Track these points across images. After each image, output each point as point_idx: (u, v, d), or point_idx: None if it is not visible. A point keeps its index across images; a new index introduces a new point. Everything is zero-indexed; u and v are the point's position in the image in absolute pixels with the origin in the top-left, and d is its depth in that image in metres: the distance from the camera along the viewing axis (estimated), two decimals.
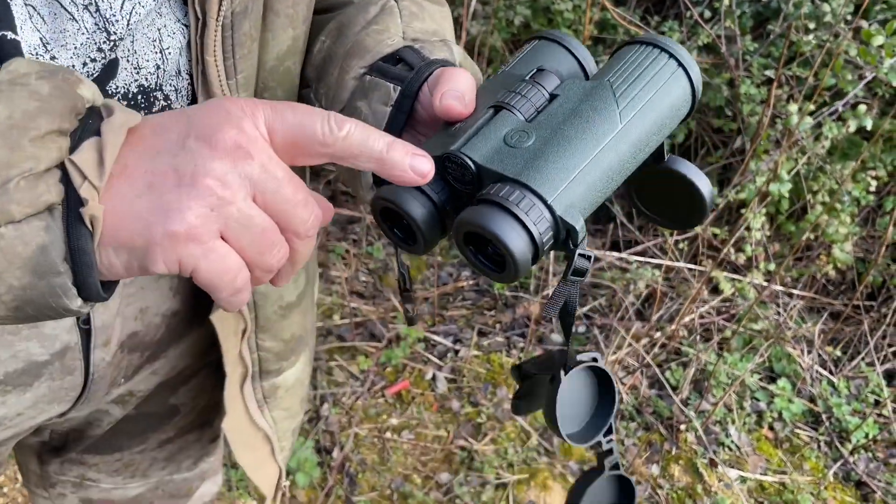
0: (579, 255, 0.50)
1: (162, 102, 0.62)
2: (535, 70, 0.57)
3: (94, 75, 0.57)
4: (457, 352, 2.05)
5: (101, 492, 0.90)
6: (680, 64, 0.55)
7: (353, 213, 2.32)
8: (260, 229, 0.47)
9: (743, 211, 1.84)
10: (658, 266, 2.05)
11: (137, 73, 0.60)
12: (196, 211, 0.45)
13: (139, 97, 0.60)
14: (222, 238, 0.46)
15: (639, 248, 2.10)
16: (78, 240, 0.45)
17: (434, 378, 2.00)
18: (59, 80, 0.46)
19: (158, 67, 0.61)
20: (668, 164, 0.58)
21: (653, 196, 0.62)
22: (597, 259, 2.15)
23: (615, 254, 2.03)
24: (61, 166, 0.45)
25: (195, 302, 0.78)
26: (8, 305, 0.46)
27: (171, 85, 0.62)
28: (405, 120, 0.61)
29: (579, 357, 0.61)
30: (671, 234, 2.00)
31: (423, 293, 2.17)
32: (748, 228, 1.95)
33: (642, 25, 2.01)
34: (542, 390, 0.63)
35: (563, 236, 0.51)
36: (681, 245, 2.00)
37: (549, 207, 0.50)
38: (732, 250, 1.93)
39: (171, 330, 0.77)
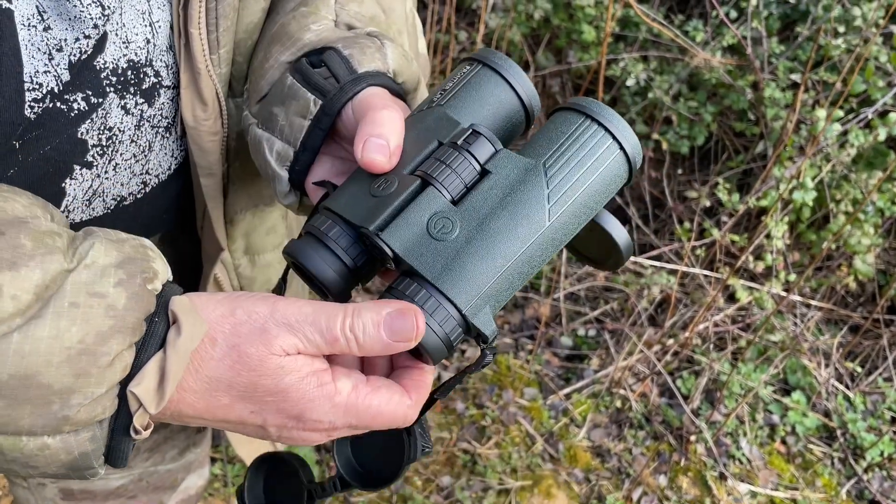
0: (489, 352, 0.51)
1: (153, 79, 0.59)
2: (469, 132, 0.53)
3: (87, 53, 0.53)
4: (463, 352, 2.00)
5: (82, 482, 0.86)
6: (615, 139, 0.52)
7: None
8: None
9: (763, 218, 1.79)
10: (673, 272, 2.00)
11: (126, 47, 0.56)
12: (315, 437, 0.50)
13: (129, 73, 0.56)
14: None
15: (654, 252, 2.05)
16: (119, 443, 0.46)
17: (439, 378, 1.95)
18: (137, 284, 0.45)
19: (148, 42, 0.57)
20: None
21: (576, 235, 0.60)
22: None
23: (630, 258, 1.98)
24: (121, 381, 0.45)
25: (185, 287, 0.74)
26: (31, 476, 0.48)
27: (161, 61, 0.58)
28: (322, 138, 0.57)
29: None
30: (689, 240, 1.95)
31: None
32: (768, 236, 1.90)
33: (665, 24, 1.96)
34: None
35: (474, 335, 0.51)
36: (697, 251, 1.95)
37: (463, 316, 0.49)
38: (751, 258, 1.87)
39: None
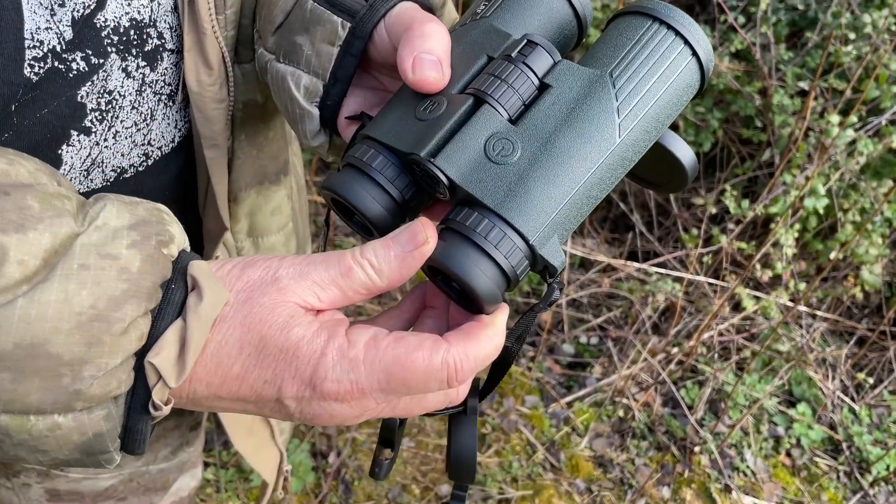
0: (556, 286, 0.45)
1: (156, 41, 0.55)
2: (524, 42, 0.48)
3: (90, 8, 0.49)
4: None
5: (70, 482, 0.82)
6: (687, 44, 0.47)
7: None
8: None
9: (771, 226, 1.76)
10: (678, 279, 1.96)
11: (129, 4, 0.52)
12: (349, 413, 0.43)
13: (131, 32, 0.52)
14: None
15: (659, 259, 2.01)
16: (136, 423, 0.41)
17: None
18: (151, 247, 0.40)
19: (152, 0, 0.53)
20: None
21: None
22: (614, 269, 2.06)
23: (634, 264, 1.94)
24: (137, 352, 0.40)
25: None
26: (42, 464, 0.43)
27: (165, 22, 0.55)
28: (356, 64, 0.52)
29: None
30: (695, 247, 1.91)
31: None
32: (775, 245, 1.86)
33: None
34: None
35: (541, 268, 0.45)
36: (704, 259, 1.91)
37: (530, 246, 0.44)
38: (759, 266, 1.84)
39: None
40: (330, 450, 1.74)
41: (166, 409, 0.41)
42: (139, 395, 0.40)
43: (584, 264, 2.13)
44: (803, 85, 1.93)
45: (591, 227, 2.21)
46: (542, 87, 0.47)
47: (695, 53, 0.47)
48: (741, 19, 1.99)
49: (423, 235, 0.43)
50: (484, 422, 1.84)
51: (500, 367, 0.49)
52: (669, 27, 0.47)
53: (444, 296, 0.48)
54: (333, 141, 0.56)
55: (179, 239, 0.43)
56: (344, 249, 0.44)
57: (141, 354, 0.40)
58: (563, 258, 0.45)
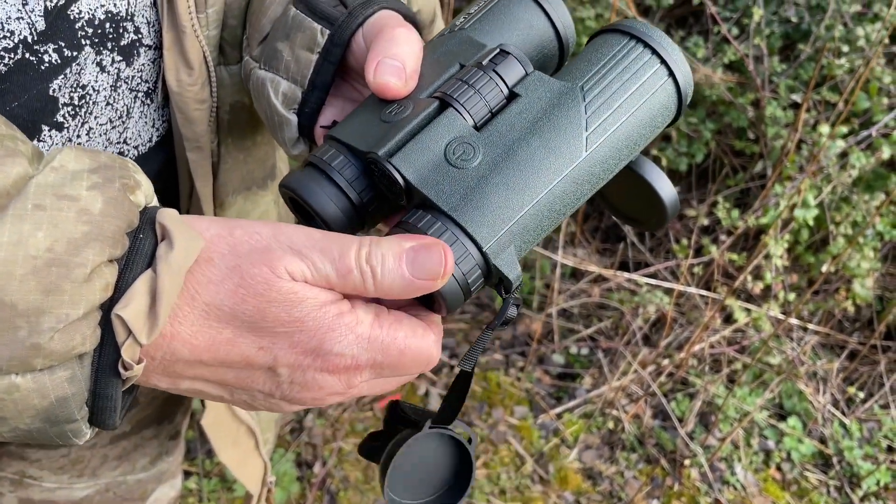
0: (512, 302, 0.44)
1: (132, 36, 0.53)
2: (496, 51, 0.46)
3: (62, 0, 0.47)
4: (452, 367, 1.94)
5: (44, 492, 0.79)
6: (664, 64, 0.46)
7: None
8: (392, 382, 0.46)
9: (763, 237, 1.75)
10: (669, 290, 1.95)
11: None
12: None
13: (107, 25, 0.51)
14: None
15: (649, 269, 2.00)
16: (105, 387, 0.38)
17: (427, 394, 1.89)
18: (115, 189, 0.37)
19: None
20: (632, 166, 0.49)
21: (614, 190, 0.53)
22: (605, 279, 2.05)
23: (625, 274, 1.93)
24: (103, 305, 0.37)
25: None
26: (5, 437, 0.39)
27: (143, 16, 0.53)
28: (333, 72, 0.51)
29: (455, 425, 0.50)
30: (686, 258, 1.90)
31: None
32: (767, 256, 1.85)
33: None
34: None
35: (496, 281, 0.43)
36: (695, 269, 1.90)
37: (483, 254, 0.42)
38: (750, 278, 1.83)
39: None
40: (315, 459, 1.72)
41: (138, 369, 0.38)
42: (107, 354, 0.37)
43: (574, 274, 2.12)
44: (796, 97, 1.93)
45: (583, 237, 2.20)
46: (512, 97, 0.46)
47: (672, 75, 0.46)
48: (734, 31, 1.98)
49: (441, 270, 0.42)
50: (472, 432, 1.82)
51: (460, 388, 0.48)
52: (647, 45, 0.46)
53: None
54: (313, 150, 0.54)
55: (147, 189, 0.40)
56: (347, 236, 0.42)
57: (108, 309, 0.37)
58: (518, 272, 0.44)
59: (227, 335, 0.39)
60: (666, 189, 0.49)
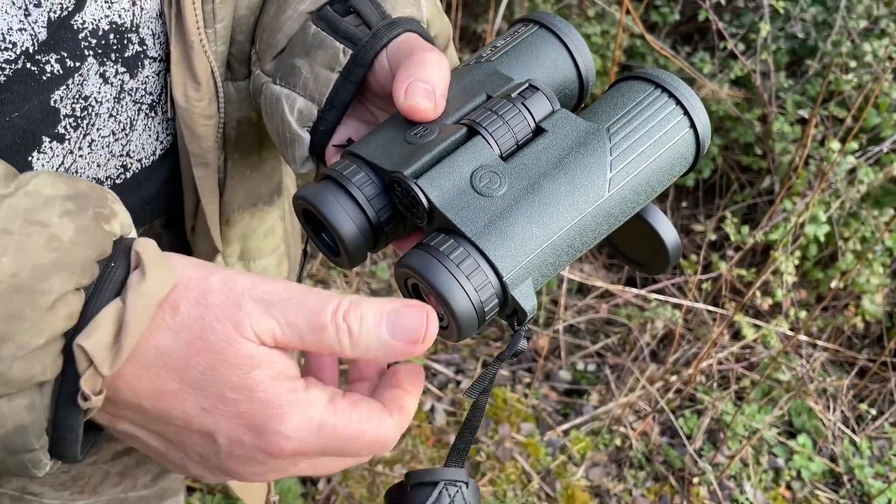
0: (524, 334, 0.43)
1: (137, 47, 0.52)
2: (525, 85, 0.47)
3: (68, 9, 0.47)
4: (458, 383, 1.93)
5: None
6: (687, 115, 0.47)
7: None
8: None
9: (771, 252, 1.74)
10: (677, 306, 1.94)
11: (109, 7, 0.50)
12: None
13: (111, 36, 0.50)
14: None
15: (657, 285, 1.99)
16: (66, 417, 0.37)
17: (432, 409, 1.87)
18: (88, 218, 0.37)
19: (134, 4, 0.51)
20: (640, 210, 0.50)
21: (618, 231, 0.53)
22: (612, 295, 2.04)
23: (633, 290, 1.92)
24: (67, 334, 0.36)
25: None
26: None
27: (149, 28, 0.52)
28: (353, 93, 0.51)
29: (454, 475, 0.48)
30: (694, 273, 1.89)
31: None
32: (775, 272, 1.84)
33: (674, 54, 1.92)
34: None
35: (510, 311, 0.43)
36: (703, 285, 1.89)
37: (503, 283, 0.42)
38: (758, 293, 1.82)
39: None
40: (319, 476, 1.71)
41: (97, 401, 0.36)
42: (68, 384, 0.36)
43: (581, 290, 2.11)
44: (803, 113, 1.92)
45: (590, 252, 2.19)
46: (538, 131, 0.47)
47: (693, 126, 0.47)
48: (741, 46, 1.98)
49: (422, 333, 0.40)
50: (478, 449, 1.80)
51: (472, 423, 0.47)
52: (671, 95, 0.47)
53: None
54: (321, 170, 0.54)
55: (124, 219, 0.40)
56: (330, 292, 0.40)
57: (72, 337, 0.36)
58: (534, 304, 0.44)
59: (172, 387, 0.38)
60: (669, 234, 0.50)
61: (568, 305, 2.04)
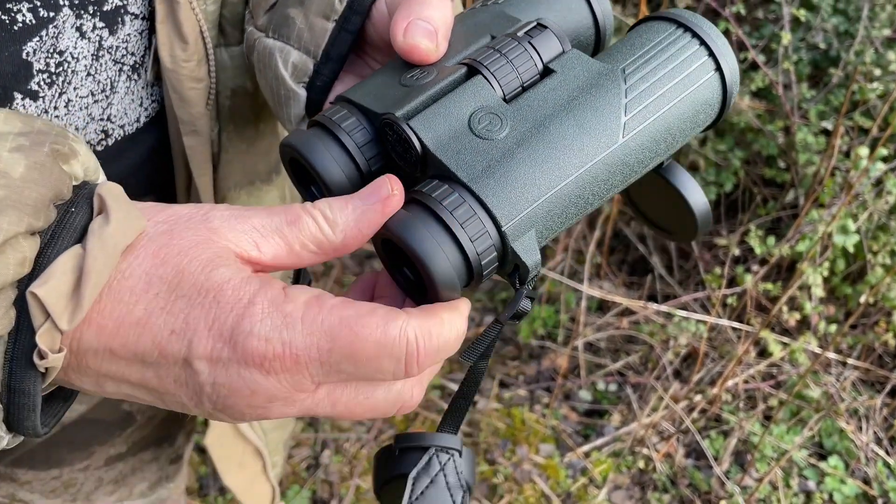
0: (527, 294, 0.39)
1: (116, 1, 0.49)
2: (533, 24, 0.44)
3: None
4: (475, 403, 1.88)
5: None
6: (712, 56, 0.43)
7: (372, 248, 2.18)
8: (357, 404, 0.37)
9: (798, 265, 1.68)
10: (701, 323, 1.88)
11: None
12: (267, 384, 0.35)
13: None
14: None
15: (679, 300, 1.94)
16: (21, 381, 0.33)
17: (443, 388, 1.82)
18: (43, 154, 0.33)
19: None
20: (664, 173, 0.46)
21: (644, 196, 0.50)
22: (633, 312, 1.98)
23: (654, 306, 1.87)
24: (20, 283, 0.32)
25: None
26: None
27: None
28: (350, 43, 0.47)
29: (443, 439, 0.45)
30: (718, 287, 1.84)
31: None
32: (801, 287, 1.78)
33: None
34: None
35: (511, 268, 0.39)
36: (728, 300, 1.83)
37: (502, 234, 0.38)
38: (785, 308, 1.76)
39: None
40: (331, 497, 1.65)
41: (55, 359, 0.32)
42: (23, 341, 0.32)
43: (601, 307, 2.05)
44: (827, 124, 1.88)
45: (609, 270, 2.14)
46: (546, 73, 0.43)
47: (719, 69, 0.43)
48: (761, 57, 1.94)
49: (387, 189, 0.37)
50: (496, 471, 1.75)
51: (467, 389, 0.43)
52: (695, 35, 0.43)
53: (396, 286, 0.42)
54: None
55: (87, 161, 0.36)
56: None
57: (26, 287, 0.32)
58: (538, 259, 0.39)
59: (138, 314, 0.34)
60: (698, 199, 0.46)
61: (587, 322, 1.99)
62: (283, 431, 0.80)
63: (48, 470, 0.71)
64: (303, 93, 0.49)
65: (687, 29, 0.43)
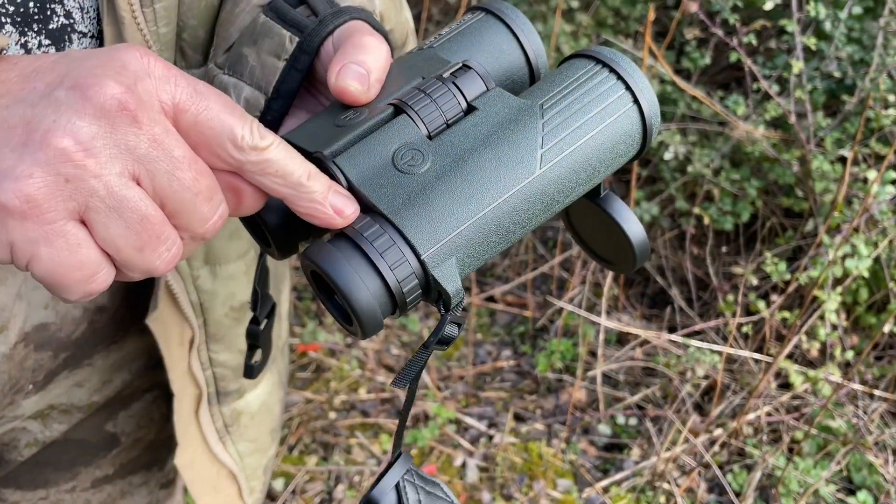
0: (449, 321, 0.41)
1: (62, 20, 0.51)
2: (459, 65, 0.46)
3: None
4: (491, 437, 1.86)
5: None
6: (629, 90, 0.45)
7: None
8: (138, 218, 0.36)
9: (815, 291, 1.65)
10: (718, 352, 1.85)
11: None
12: (39, 180, 0.34)
13: (30, 4, 0.49)
14: (82, 222, 0.36)
15: (695, 327, 1.91)
16: None
17: (464, 465, 1.81)
18: None
19: None
20: (601, 203, 0.48)
21: (585, 225, 0.52)
22: (645, 342, 1.96)
23: (667, 335, 1.85)
24: None
25: (132, 299, 0.65)
26: None
27: (75, 1, 0.52)
28: (300, 80, 0.50)
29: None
30: (733, 315, 1.81)
31: (458, 371, 2.00)
32: (822, 318, 1.75)
33: (705, 96, 1.89)
34: None
35: (436, 296, 0.41)
36: (744, 329, 1.81)
37: (421, 262, 0.40)
38: (805, 338, 1.72)
39: (96, 330, 0.64)
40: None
41: None
42: None
43: (620, 340, 2.04)
44: (844, 152, 1.86)
45: (627, 302, 2.12)
46: (470, 110, 0.45)
47: (636, 101, 0.45)
48: (775, 87, 1.94)
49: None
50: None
51: (405, 409, 0.44)
52: (612, 70, 0.46)
53: None
54: None
55: None
56: None
57: None
58: (458, 286, 0.41)
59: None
60: (635, 230, 0.48)
61: (606, 353, 1.97)
62: (261, 456, 0.80)
63: (34, 490, 0.73)
64: None
65: (605, 65, 0.46)
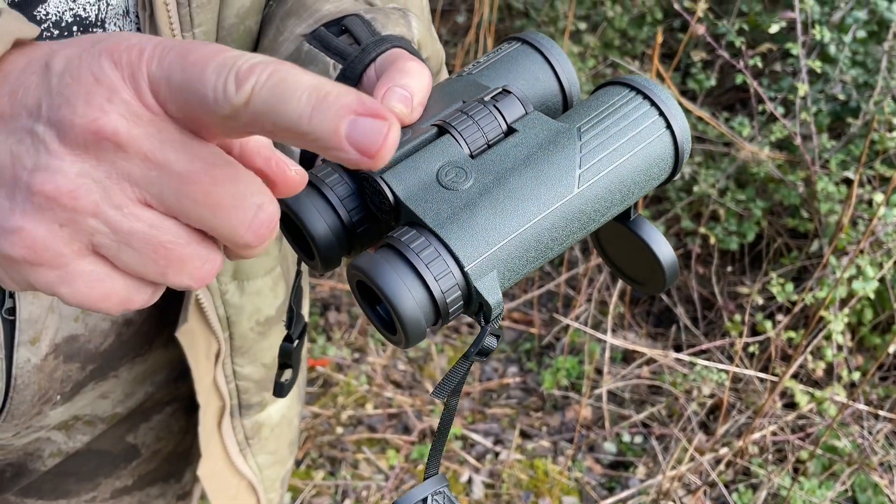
0: (490, 333, 0.43)
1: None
2: (499, 90, 0.49)
3: None
4: (497, 454, 1.87)
5: None
6: (662, 116, 0.47)
7: None
8: (151, 248, 0.33)
9: (821, 312, 1.66)
10: (725, 372, 1.86)
11: (74, 0, 0.51)
12: (32, 230, 0.32)
13: (75, 29, 0.51)
14: (100, 254, 0.34)
15: (701, 346, 1.92)
16: None
17: (470, 481, 1.81)
18: None
19: None
20: (632, 226, 0.50)
21: (615, 247, 0.54)
22: (652, 360, 1.97)
23: (673, 354, 1.86)
24: None
25: (159, 313, 0.67)
26: None
27: (116, 25, 0.53)
28: None
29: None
30: (739, 335, 1.82)
31: (464, 387, 2.01)
32: (828, 338, 1.76)
33: (710, 116, 1.91)
34: None
35: (476, 308, 0.43)
36: (750, 348, 1.82)
37: (465, 273, 0.42)
38: (810, 358, 1.73)
39: (123, 342, 0.65)
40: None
41: None
42: None
43: (626, 358, 2.05)
44: (849, 174, 1.88)
45: (633, 321, 2.13)
46: (510, 132, 0.47)
47: (669, 127, 0.48)
48: (780, 109, 1.96)
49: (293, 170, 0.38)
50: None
51: (443, 426, 0.45)
52: (646, 97, 0.48)
53: None
54: None
55: None
56: None
57: None
58: (499, 298, 0.43)
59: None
60: (665, 252, 0.50)
61: (611, 370, 1.98)
62: (280, 468, 0.81)
63: (56, 500, 0.74)
64: (296, 149, 0.52)
65: (639, 91, 0.48)
